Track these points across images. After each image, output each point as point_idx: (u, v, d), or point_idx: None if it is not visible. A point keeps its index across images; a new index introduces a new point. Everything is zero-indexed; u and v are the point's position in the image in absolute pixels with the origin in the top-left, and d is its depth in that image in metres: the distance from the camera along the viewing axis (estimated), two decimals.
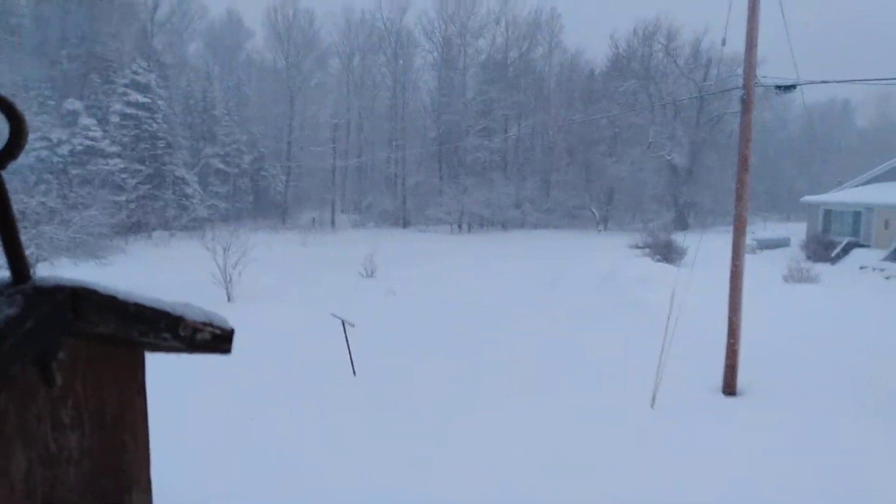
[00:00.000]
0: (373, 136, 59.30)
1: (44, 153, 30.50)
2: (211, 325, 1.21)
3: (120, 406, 1.15)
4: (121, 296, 1.03)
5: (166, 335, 1.12)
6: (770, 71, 12.09)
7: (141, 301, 1.07)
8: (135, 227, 35.69)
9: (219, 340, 1.23)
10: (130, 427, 1.18)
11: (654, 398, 10.17)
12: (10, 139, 0.96)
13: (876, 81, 13.40)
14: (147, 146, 37.98)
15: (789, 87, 11.89)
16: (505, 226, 51.08)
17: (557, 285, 20.93)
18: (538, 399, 10.34)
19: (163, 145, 38.87)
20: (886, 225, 29.73)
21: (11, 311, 0.89)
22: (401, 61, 56.87)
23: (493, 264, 27.64)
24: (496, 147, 54.06)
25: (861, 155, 64.72)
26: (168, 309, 1.12)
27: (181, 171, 40.24)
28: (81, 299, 0.96)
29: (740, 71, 11.74)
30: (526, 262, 28.13)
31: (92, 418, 1.08)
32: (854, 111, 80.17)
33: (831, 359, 12.40)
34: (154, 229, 36.42)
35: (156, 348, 1.20)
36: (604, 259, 26.08)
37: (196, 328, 1.18)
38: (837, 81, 11.10)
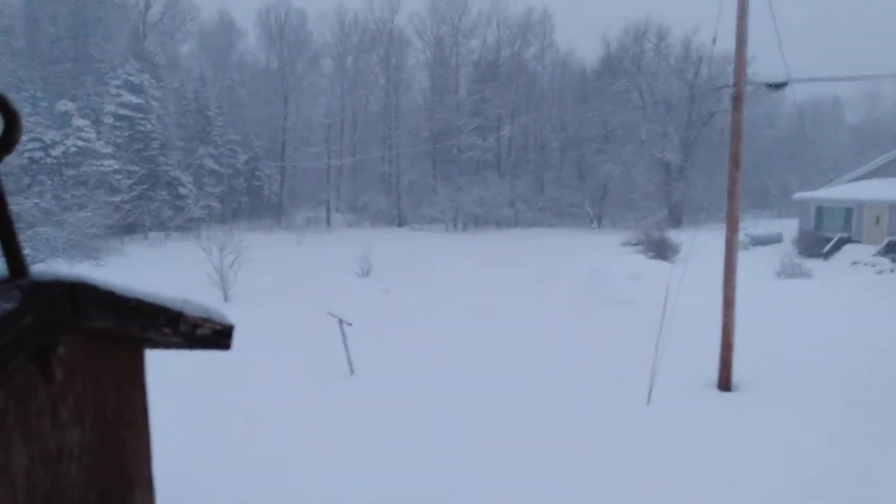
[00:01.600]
0: (367, 136, 59.30)
1: (37, 154, 30.43)
2: (211, 320, 1.20)
3: (121, 403, 1.13)
4: (120, 291, 1.02)
5: (167, 330, 1.11)
6: (760, 69, 12.27)
7: (140, 296, 1.06)
8: (130, 228, 35.62)
9: (219, 336, 1.23)
10: (131, 424, 1.16)
11: (649, 394, 10.29)
12: (4, 133, 0.96)
13: (865, 78, 13.56)
14: (141, 147, 37.92)
15: (780, 85, 12.05)
16: (499, 224, 51.21)
17: (551, 282, 21.06)
18: (534, 396, 10.45)
19: (157, 146, 38.81)
20: (877, 220, 30.00)
21: (9, 306, 0.88)
22: (393, 61, 56.91)
23: (488, 262, 27.75)
24: (489, 146, 54.22)
25: (852, 151, 65.18)
26: (168, 304, 1.12)
27: (175, 172, 40.18)
28: (80, 294, 0.94)
29: (731, 69, 11.87)
30: (520, 259, 28.25)
31: (93, 415, 1.07)
32: (844, 108, 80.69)
33: (824, 354, 12.55)
34: (149, 230, 36.37)
35: (156, 344, 1.19)
36: (597, 256, 26.23)
37: (196, 324, 1.17)
38: (827, 79, 11.25)
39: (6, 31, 38.32)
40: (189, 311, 1.16)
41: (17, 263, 0.94)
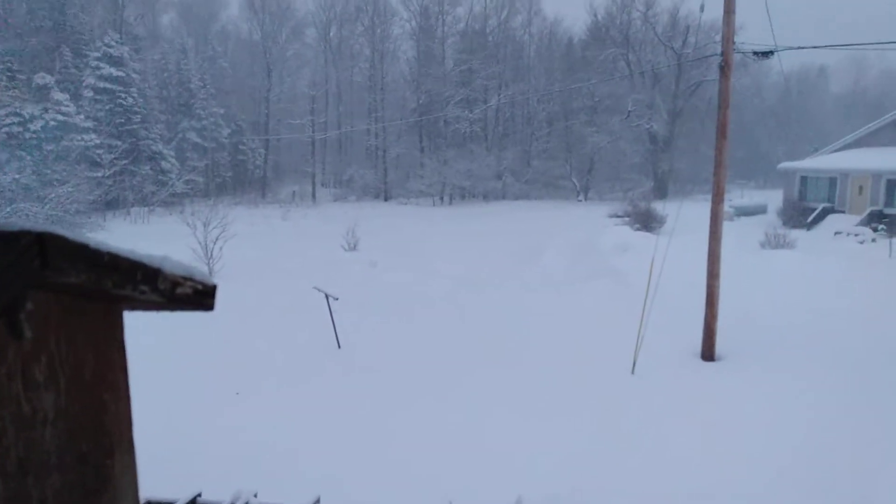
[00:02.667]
0: (352, 108, 58.62)
1: (15, 129, 29.83)
2: (192, 279, 1.13)
3: (98, 364, 1.07)
4: (93, 244, 0.95)
5: (144, 287, 1.05)
6: (748, 37, 12.14)
7: (115, 250, 1.00)
8: (112, 204, 35.15)
9: (201, 295, 1.15)
10: (111, 386, 1.10)
11: (634, 364, 10.39)
12: None
13: (852, 47, 13.53)
14: (122, 121, 37.26)
15: (767, 54, 11.97)
16: (486, 197, 51.07)
17: (538, 254, 21.09)
18: (520, 367, 10.52)
19: (138, 120, 38.16)
20: (860, 191, 30.21)
21: None
22: (378, 31, 56.05)
23: (475, 235, 27.73)
24: (476, 118, 53.84)
25: (837, 120, 65.38)
26: (145, 260, 1.06)
27: (158, 146, 39.59)
28: (49, 245, 0.87)
29: (718, 38, 11.78)
30: (507, 232, 28.25)
31: (68, 376, 1.01)
32: (830, 77, 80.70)
33: (806, 323, 12.70)
34: (132, 205, 35.93)
35: (134, 303, 1.13)
36: (584, 228, 26.28)
37: (176, 282, 1.10)
38: (814, 47, 11.20)
39: None
40: (168, 268, 1.09)
41: None
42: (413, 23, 57.69)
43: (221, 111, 46.86)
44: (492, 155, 51.10)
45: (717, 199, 11.40)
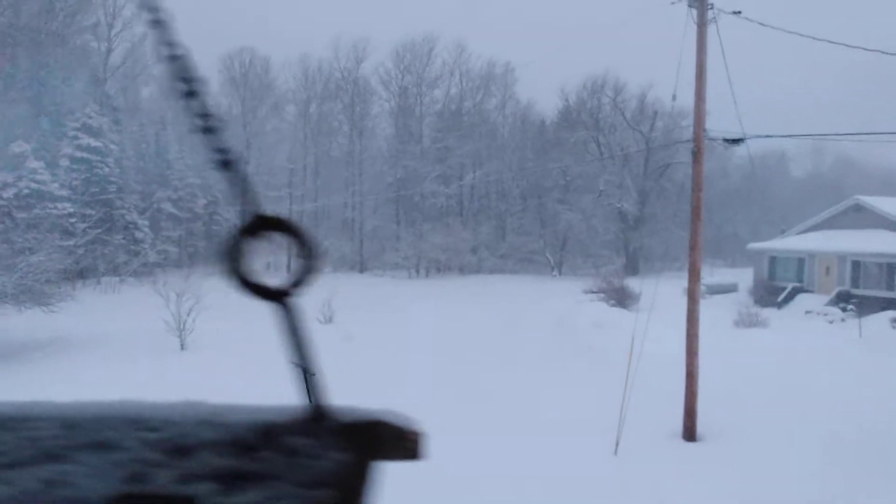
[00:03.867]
0: (329, 182, 59.21)
1: None
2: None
3: None
4: None
5: None
6: (712, 124, 12.65)
7: None
8: (83, 273, 34.51)
9: None
10: None
11: (617, 445, 10.26)
12: None
13: (818, 136, 14.20)
14: (97, 190, 37.11)
15: (737, 141, 12.52)
16: (462, 270, 51.31)
17: (514, 329, 21.07)
18: (500, 445, 10.30)
19: (114, 189, 38.04)
20: (827, 271, 31.04)
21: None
22: (358, 109, 57.45)
23: (451, 308, 27.66)
24: (452, 193, 54.76)
25: (798, 204, 67.78)
26: None
27: (132, 216, 39.36)
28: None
29: (685, 123, 12.32)
30: (483, 306, 28.24)
31: None
32: (790, 162, 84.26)
33: (783, 402, 12.74)
34: (103, 275, 35.31)
35: None
36: (559, 303, 26.40)
37: None
38: (781, 136, 11.75)
39: None
40: None
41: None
42: (392, 102, 59.36)
43: (198, 182, 46.99)
44: (467, 229, 51.72)
45: (693, 279, 11.62)
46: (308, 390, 0.82)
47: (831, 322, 25.34)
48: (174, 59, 0.77)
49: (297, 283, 0.79)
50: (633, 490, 8.74)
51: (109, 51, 50.19)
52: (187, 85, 0.79)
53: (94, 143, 37.16)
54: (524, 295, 33.05)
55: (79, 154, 36.89)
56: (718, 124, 12.86)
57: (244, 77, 55.92)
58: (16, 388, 13.47)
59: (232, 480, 0.67)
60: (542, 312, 23.25)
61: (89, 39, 49.27)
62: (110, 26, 49.54)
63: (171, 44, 0.76)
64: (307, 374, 0.85)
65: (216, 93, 59.45)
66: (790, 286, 31.43)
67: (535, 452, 10.01)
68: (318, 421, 0.79)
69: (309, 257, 0.82)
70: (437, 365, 16.00)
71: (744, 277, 37.17)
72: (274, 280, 0.81)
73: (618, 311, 21.99)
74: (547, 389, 13.69)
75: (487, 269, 51.65)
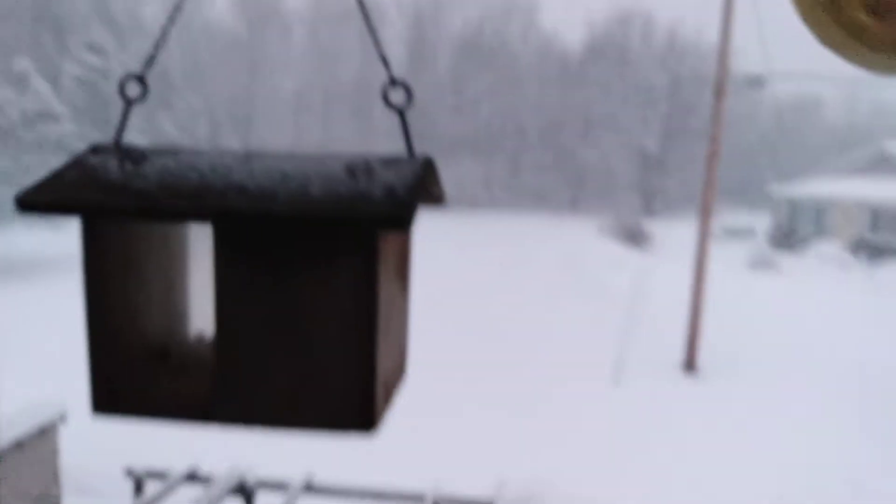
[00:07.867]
0: (338, 111, 58.36)
1: None
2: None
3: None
4: None
5: None
6: (744, 65, 12.30)
7: None
8: None
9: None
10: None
11: (616, 375, 10.47)
12: None
13: (843, 80, 13.74)
14: (101, 111, 37.05)
15: (759, 79, 12.17)
16: (473, 206, 51.18)
17: (526, 267, 21.13)
18: (505, 378, 10.49)
19: (116, 110, 37.96)
20: (847, 218, 30.60)
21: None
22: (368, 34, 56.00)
23: (460, 246, 27.61)
24: (467, 126, 53.98)
25: (830, 151, 66.20)
26: None
27: (134, 136, 39.38)
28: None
29: (714, 62, 11.94)
30: (494, 243, 28.18)
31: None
32: (825, 107, 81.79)
33: (788, 340, 12.87)
34: None
35: None
36: (572, 242, 26.31)
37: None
38: (805, 77, 11.37)
39: None
40: None
41: None
42: (406, 27, 57.74)
43: (200, 106, 46.61)
44: (481, 164, 51.28)
45: (706, 217, 11.51)
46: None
47: (845, 267, 25.17)
48: None
49: None
50: (630, 416, 9.02)
51: None
52: None
53: (97, 62, 36.86)
54: (537, 233, 32.98)
55: (82, 73, 36.68)
56: (751, 66, 12.47)
57: None
58: (28, 304, 13.89)
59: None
60: (554, 250, 23.22)
61: None
62: None
63: None
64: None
65: (221, 13, 58.05)
66: (808, 231, 31.11)
67: (537, 383, 10.22)
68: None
69: None
70: (443, 299, 16.09)
71: (764, 222, 36.78)
72: None
73: (631, 251, 21.94)
74: (554, 324, 13.82)
75: (501, 204, 51.44)
